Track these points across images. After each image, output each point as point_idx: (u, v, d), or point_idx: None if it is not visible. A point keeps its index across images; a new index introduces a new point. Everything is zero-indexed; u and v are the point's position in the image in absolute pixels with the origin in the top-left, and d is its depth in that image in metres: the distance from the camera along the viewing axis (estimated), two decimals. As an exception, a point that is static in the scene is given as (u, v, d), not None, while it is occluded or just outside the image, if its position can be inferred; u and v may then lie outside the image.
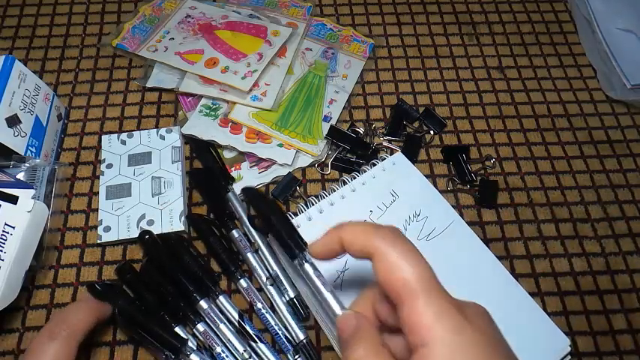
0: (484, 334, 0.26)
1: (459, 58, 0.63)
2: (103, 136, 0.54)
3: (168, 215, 0.49)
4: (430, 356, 0.25)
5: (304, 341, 0.43)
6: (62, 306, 0.46)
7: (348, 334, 0.30)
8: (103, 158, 0.52)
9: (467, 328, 0.26)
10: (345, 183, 0.50)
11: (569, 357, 0.43)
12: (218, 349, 0.42)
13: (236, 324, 0.44)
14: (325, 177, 0.54)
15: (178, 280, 0.45)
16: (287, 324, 0.44)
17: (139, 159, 0.52)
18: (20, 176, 0.47)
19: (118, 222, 0.49)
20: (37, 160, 0.49)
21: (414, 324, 0.26)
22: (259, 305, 0.45)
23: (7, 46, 0.62)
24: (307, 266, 0.34)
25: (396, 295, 0.27)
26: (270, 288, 0.46)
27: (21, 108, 0.49)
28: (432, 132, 0.57)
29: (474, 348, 0.25)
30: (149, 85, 0.58)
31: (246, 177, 0.53)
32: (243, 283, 0.46)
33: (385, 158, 0.52)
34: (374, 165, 0.51)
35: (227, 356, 0.42)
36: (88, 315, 0.40)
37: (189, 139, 0.55)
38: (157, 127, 0.56)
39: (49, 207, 0.47)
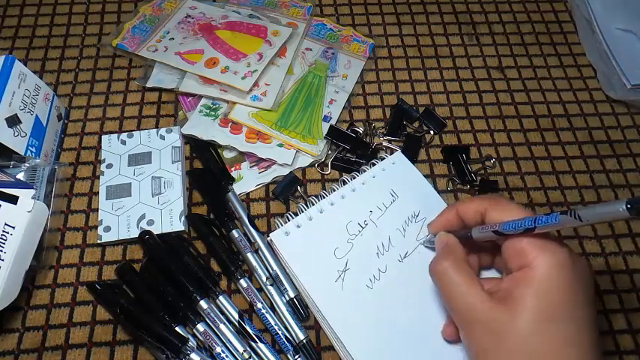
0: (579, 279, 0.32)
1: (459, 58, 0.63)
2: (103, 136, 0.54)
3: (168, 215, 0.49)
4: (531, 275, 0.32)
5: (304, 341, 0.43)
6: (62, 306, 0.46)
7: (440, 248, 0.40)
8: (103, 158, 0.52)
9: (567, 266, 0.32)
10: (345, 183, 0.50)
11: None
12: (218, 349, 0.42)
13: (236, 324, 0.44)
14: (325, 177, 0.54)
15: (178, 280, 0.45)
16: (287, 324, 0.44)
17: (139, 159, 0.52)
18: (20, 176, 0.47)
19: (118, 222, 0.49)
20: (37, 160, 0.49)
21: (522, 249, 0.33)
22: (259, 305, 0.45)
23: (7, 46, 0.62)
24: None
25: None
26: (270, 288, 0.46)
27: (21, 108, 0.49)
28: (432, 132, 0.57)
29: (564, 273, 0.32)
30: (149, 85, 0.58)
31: (246, 177, 0.53)
32: (243, 283, 0.46)
33: (385, 158, 0.52)
34: (374, 165, 0.51)
35: (227, 356, 0.42)
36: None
37: (189, 139, 0.55)
38: (157, 127, 0.56)
39: (49, 207, 0.47)
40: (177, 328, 0.43)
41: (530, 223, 0.32)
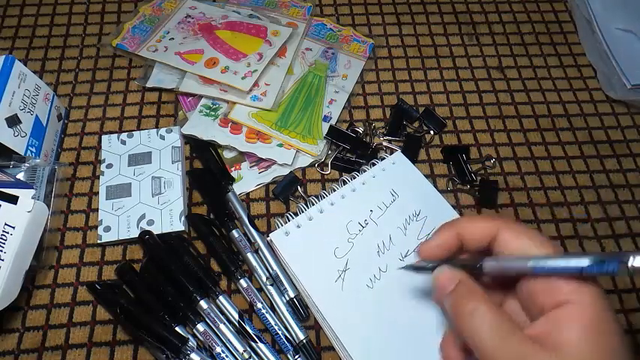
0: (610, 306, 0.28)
1: (459, 58, 0.63)
2: (103, 136, 0.54)
3: (168, 215, 0.49)
4: (576, 311, 0.26)
5: (304, 341, 0.43)
6: (62, 306, 0.46)
7: (446, 287, 0.30)
8: (103, 158, 0.52)
9: (603, 294, 0.27)
10: (345, 183, 0.50)
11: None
12: (218, 349, 0.42)
13: (236, 324, 0.44)
14: (325, 177, 0.54)
15: (178, 280, 0.45)
16: (287, 324, 0.44)
17: (139, 159, 0.52)
18: (20, 176, 0.47)
19: (118, 222, 0.49)
20: (37, 160, 0.49)
21: (555, 284, 0.27)
22: (259, 305, 0.45)
23: (7, 46, 0.62)
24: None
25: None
26: (270, 288, 0.46)
27: (21, 108, 0.49)
28: (432, 132, 0.57)
29: (608, 312, 0.27)
30: (149, 85, 0.58)
31: (246, 177, 0.53)
32: (243, 283, 0.46)
33: (385, 158, 0.52)
34: (374, 165, 0.51)
35: (227, 356, 0.42)
36: None
37: (189, 139, 0.55)
38: (157, 127, 0.56)
39: (49, 207, 0.47)
40: (177, 328, 0.43)
41: (589, 267, 0.26)
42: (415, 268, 0.35)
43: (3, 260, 0.41)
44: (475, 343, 0.28)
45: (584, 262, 0.26)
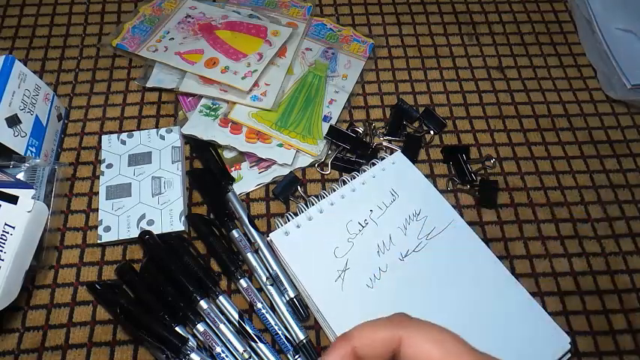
0: None
1: (459, 58, 0.63)
2: (103, 136, 0.54)
3: (168, 215, 0.49)
4: None
5: (304, 341, 0.43)
6: (62, 306, 0.46)
7: None
8: (103, 158, 0.52)
9: None
10: (344, 183, 0.50)
11: (569, 355, 0.43)
12: (218, 349, 0.42)
13: (236, 324, 0.44)
14: (325, 177, 0.54)
15: (178, 280, 0.45)
16: (287, 324, 0.44)
17: (139, 159, 0.52)
18: (20, 176, 0.47)
19: (118, 222, 0.49)
20: (37, 160, 0.49)
21: None
22: (259, 305, 0.45)
23: (7, 46, 0.62)
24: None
25: None
26: (270, 288, 0.46)
27: (21, 108, 0.49)
28: (432, 132, 0.56)
29: None
30: (149, 85, 0.58)
31: (246, 177, 0.53)
32: (243, 283, 0.46)
33: (385, 158, 0.52)
34: (374, 165, 0.51)
35: (227, 356, 0.42)
36: None
37: (189, 139, 0.55)
38: (157, 127, 0.56)
39: (49, 207, 0.47)
40: (177, 328, 0.43)
41: None
42: None
43: (3, 260, 0.41)
44: None
45: None
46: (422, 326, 0.25)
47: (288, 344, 0.43)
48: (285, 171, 0.53)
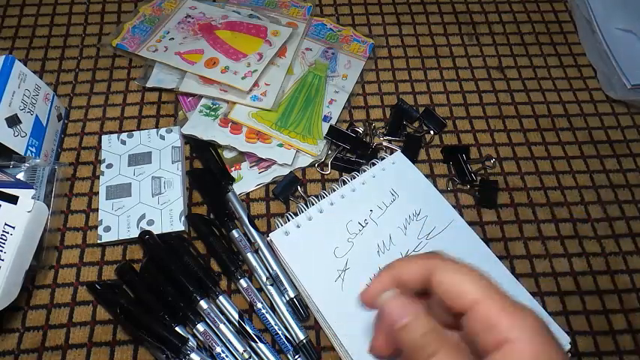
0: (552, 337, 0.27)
1: (459, 58, 0.63)
2: (103, 136, 0.54)
3: (168, 215, 0.49)
4: (516, 350, 0.25)
5: (304, 341, 0.43)
6: (62, 306, 0.46)
7: (409, 324, 0.28)
8: (103, 158, 0.52)
9: (541, 325, 0.26)
10: (344, 183, 0.50)
11: (569, 355, 0.43)
12: (218, 349, 0.42)
13: (236, 324, 0.44)
14: (325, 177, 0.54)
15: (178, 280, 0.45)
16: (287, 324, 0.44)
17: (139, 159, 0.52)
18: (20, 176, 0.47)
19: (118, 222, 0.49)
20: (37, 160, 0.49)
21: (494, 321, 0.26)
22: (259, 305, 0.45)
23: (7, 46, 0.62)
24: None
25: (468, 300, 0.27)
26: (270, 288, 0.46)
27: (21, 108, 0.49)
28: (432, 132, 0.56)
29: (549, 344, 0.26)
30: (149, 85, 0.58)
31: (246, 177, 0.53)
32: (243, 283, 0.46)
33: (385, 158, 0.52)
34: (374, 165, 0.51)
35: (227, 356, 0.42)
36: None
37: (189, 139, 0.55)
38: (157, 127, 0.56)
39: (48, 207, 0.47)
40: (177, 328, 0.43)
41: None
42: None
43: (3, 260, 0.41)
44: None
45: None
46: (453, 261, 0.29)
47: (288, 344, 0.43)
48: (285, 171, 0.53)
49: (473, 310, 0.27)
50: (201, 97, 0.57)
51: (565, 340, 0.43)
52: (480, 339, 0.27)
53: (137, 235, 0.48)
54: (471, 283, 0.28)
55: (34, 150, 0.50)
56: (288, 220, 0.48)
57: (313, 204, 0.49)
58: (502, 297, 0.27)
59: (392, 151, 0.54)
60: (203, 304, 0.44)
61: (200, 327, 0.43)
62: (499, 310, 0.26)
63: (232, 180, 0.52)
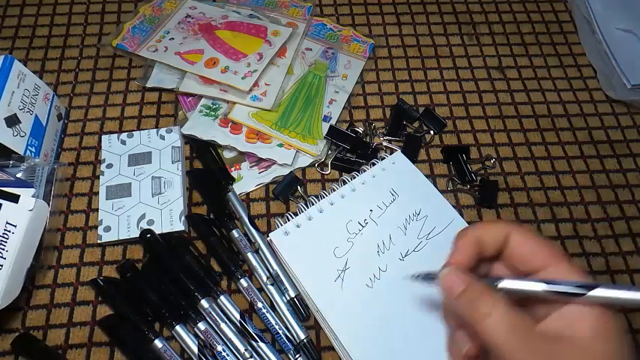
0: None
1: (459, 58, 0.63)
2: (103, 136, 0.54)
3: (168, 215, 0.49)
4: (587, 310, 0.28)
5: (305, 340, 0.43)
6: (62, 306, 0.46)
7: (464, 291, 0.30)
8: (103, 158, 0.52)
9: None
10: (344, 183, 0.50)
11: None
12: (219, 348, 0.42)
13: (237, 323, 0.44)
14: (325, 177, 0.54)
15: (180, 280, 0.45)
16: (287, 323, 0.44)
17: (139, 159, 0.52)
18: (19, 176, 0.47)
19: (118, 222, 0.49)
20: (37, 160, 0.49)
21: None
22: (260, 305, 0.45)
23: (7, 46, 0.62)
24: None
25: (540, 261, 0.30)
26: (271, 287, 0.46)
27: (20, 108, 0.49)
28: (432, 132, 0.57)
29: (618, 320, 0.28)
30: (149, 85, 0.58)
31: (246, 177, 0.53)
32: (243, 282, 0.46)
33: (385, 158, 0.52)
34: (374, 164, 0.51)
35: (228, 355, 0.42)
36: None
37: (189, 139, 0.55)
38: (157, 127, 0.56)
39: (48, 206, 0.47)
40: (178, 327, 0.43)
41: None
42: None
43: (5, 259, 0.41)
44: (493, 344, 0.28)
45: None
46: (527, 230, 0.32)
47: (288, 343, 0.43)
48: (285, 171, 0.53)
49: (541, 273, 0.30)
50: (201, 97, 0.57)
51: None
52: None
53: (137, 235, 0.48)
54: (546, 247, 0.31)
55: (33, 150, 0.50)
56: (288, 220, 0.48)
57: (313, 204, 0.49)
58: (571, 266, 0.30)
59: (392, 151, 0.54)
60: (204, 303, 0.44)
61: (201, 325, 0.43)
62: (566, 276, 0.29)
63: (232, 180, 0.52)
